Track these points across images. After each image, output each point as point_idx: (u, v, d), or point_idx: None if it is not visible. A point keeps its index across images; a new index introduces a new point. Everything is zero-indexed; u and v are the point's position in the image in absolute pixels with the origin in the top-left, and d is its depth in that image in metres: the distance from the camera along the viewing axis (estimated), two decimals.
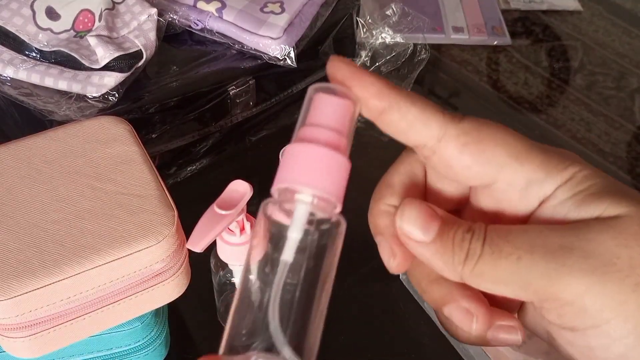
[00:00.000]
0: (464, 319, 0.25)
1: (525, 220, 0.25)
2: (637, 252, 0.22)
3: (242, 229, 0.43)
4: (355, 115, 0.24)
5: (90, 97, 0.54)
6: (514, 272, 0.22)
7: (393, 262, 0.25)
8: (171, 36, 0.63)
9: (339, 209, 0.23)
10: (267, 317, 0.22)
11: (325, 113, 0.23)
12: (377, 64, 0.78)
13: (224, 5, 0.63)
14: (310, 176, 0.22)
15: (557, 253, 0.22)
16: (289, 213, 0.23)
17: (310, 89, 0.24)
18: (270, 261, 0.23)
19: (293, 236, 0.23)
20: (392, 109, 0.24)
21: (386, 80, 0.24)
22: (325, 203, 0.23)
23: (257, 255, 0.23)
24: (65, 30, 0.58)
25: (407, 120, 0.24)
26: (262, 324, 0.22)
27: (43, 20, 0.57)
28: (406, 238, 0.24)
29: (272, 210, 0.23)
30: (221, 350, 0.22)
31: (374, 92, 0.24)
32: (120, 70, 0.55)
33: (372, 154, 0.67)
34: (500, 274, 0.23)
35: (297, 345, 0.22)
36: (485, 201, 0.26)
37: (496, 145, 0.24)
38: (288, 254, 0.23)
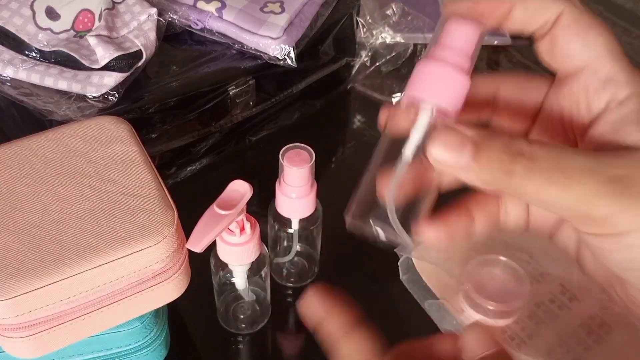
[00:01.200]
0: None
1: (586, 128, 0.28)
2: None
3: (242, 229, 0.43)
4: (482, 38, 0.28)
5: (90, 97, 0.54)
6: (562, 195, 0.24)
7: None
8: (171, 36, 0.63)
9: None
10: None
11: (455, 37, 0.28)
12: (377, 63, 0.77)
13: (223, 5, 0.63)
14: (434, 90, 0.27)
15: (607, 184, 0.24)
16: (414, 116, 0.27)
17: (443, 14, 0.28)
18: (395, 154, 0.28)
19: (414, 138, 0.27)
20: (516, 5, 0.28)
21: None
22: (444, 114, 0.27)
23: (385, 142, 0.29)
24: (65, 30, 0.58)
25: (528, 11, 0.28)
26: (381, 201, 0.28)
27: (43, 20, 0.57)
28: (440, 165, 0.26)
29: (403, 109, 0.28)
30: (349, 213, 0.28)
31: None
32: (120, 70, 0.55)
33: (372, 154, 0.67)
34: (549, 195, 0.24)
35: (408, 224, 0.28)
36: (561, 98, 0.29)
37: (599, 35, 0.27)
38: (408, 153, 0.27)
